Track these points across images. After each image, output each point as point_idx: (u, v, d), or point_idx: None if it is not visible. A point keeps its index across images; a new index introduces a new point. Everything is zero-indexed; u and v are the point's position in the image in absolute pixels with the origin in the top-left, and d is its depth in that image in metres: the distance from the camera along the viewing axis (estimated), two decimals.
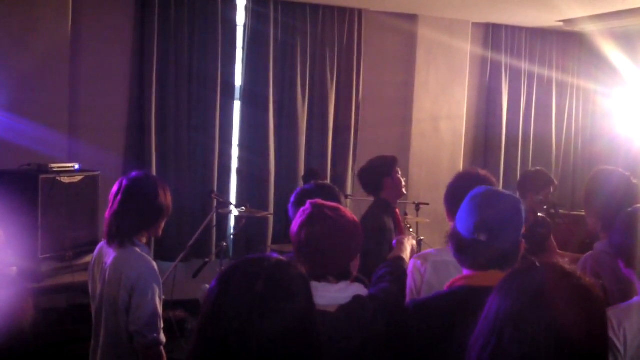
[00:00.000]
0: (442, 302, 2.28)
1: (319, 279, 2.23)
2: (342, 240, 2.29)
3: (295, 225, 2.35)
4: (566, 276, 1.57)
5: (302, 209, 2.38)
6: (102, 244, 3.08)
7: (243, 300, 1.49)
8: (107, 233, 2.98)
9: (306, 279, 1.62)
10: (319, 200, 2.42)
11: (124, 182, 3.00)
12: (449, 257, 2.46)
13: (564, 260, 1.66)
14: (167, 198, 3.03)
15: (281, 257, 1.63)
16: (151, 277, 2.89)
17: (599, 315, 1.55)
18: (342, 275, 2.29)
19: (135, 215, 2.96)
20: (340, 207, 2.40)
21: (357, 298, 2.23)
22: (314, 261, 2.26)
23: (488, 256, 2.19)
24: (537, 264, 1.63)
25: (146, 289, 2.86)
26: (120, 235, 2.93)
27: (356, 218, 2.39)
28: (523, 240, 2.25)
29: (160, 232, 3.12)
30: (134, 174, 3.05)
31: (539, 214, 4.87)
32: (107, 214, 2.99)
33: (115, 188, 3.01)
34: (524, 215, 2.26)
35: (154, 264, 2.97)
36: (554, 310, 1.49)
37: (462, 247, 2.26)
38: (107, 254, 3.00)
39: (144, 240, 3.04)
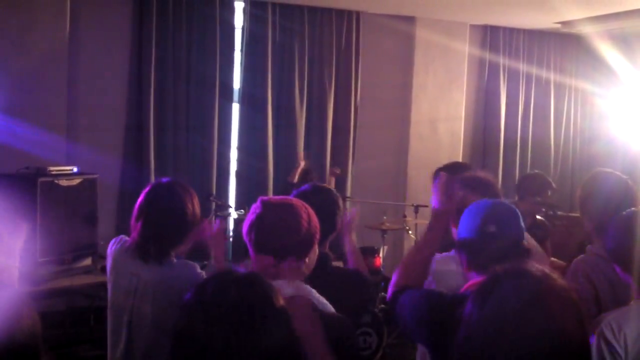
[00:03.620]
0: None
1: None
2: (293, 238, 2.27)
3: (245, 225, 2.33)
4: (537, 281, 1.53)
5: (253, 206, 2.35)
6: (123, 253, 2.93)
7: (218, 309, 1.49)
8: (141, 250, 2.82)
9: (275, 288, 1.60)
10: (270, 197, 2.41)
11: (157, 190, 2.88)
12: (454, 265, 2.46)
13: (544, 265, 1.63)
14: (195, 207, 2.91)
15: (250, 270, 1.64)
16: (195, 275, 2.83)
17: (575, 318, 1.51)
18: (292, 273, 2.26)
19: (175, 228, 2.84)
20: (294, 203, 2.36)
21: (293, 299, 2.08)
22: (265, 257, 2.26)
23: (498, 248, 2.22)
24: (511, 269, 1.60)
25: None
26: (159, 251, 2.81)
27: (313, 215, 2.36)
28: (528, 243, 2.29)
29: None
30: (159, 183, 2.94)
31: (538, 217, 4.88)
32: (137, 227, 2.83)
33: (146, 197, 2.87)
34: (521, 220, 2.31)
35: (197, 267, 2.89)
36: (524, 319, 1.47)
37: (471, 248, 2.30)
38: (138, 266, 2.84)
39: (179, 251, 2.93)
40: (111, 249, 3.01)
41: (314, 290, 2.29)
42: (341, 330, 2.20)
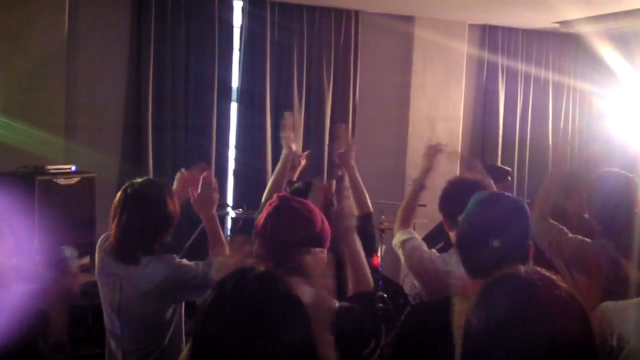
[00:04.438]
0: (439, 309, 2.26)
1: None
2: (307, 233, 2.29)
3: (261, 218, 2.34)
4: (539, 286, 1.49)
5: (269, 201, 2.38)
6: (105, 252, 2.95)
7: (237, 306, 1.48)
8: (117, 249, 2.84)
9: (296, 287, 1.59)
10: (287, 194, 2.42)
11: (128, 191, 2.85)
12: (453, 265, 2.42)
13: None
14: (175, 204, 2.91)
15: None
16: (171, 266, 2.85)
17: (582, 323, 1.48)
18: (304, 272, 2.20)
19: (145, 228, 2.82)
20: (309, 203, 2.40)
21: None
22: (279, 254, 2.25)
23: (498, 260, 2.05)
24: (510, 274, 1.57)
25: (179, 274, 2.82)
26: (132, 252, 2.82)
27: (325, 220, 2.38)
28: (532, 243, 2.24)
29: (169, 238, 3.04)
30: (137, 181, 2.92)
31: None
32: (114, 226, 2.84)
33: (118, 198, 2.86)
34: (529, 216, 2.26)
35: (168, 261, 2.88)
36: (531, 325, 1.43)
37: (469, 253, 2.23)
38: (118, 267, 2.87)
39: (158, 247, 2.91)
40: (99, 245, 3.05)
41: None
42: (355, 318, 2.21)
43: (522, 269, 1.55)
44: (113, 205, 2.88)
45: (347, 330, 2.14)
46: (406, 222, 3.39)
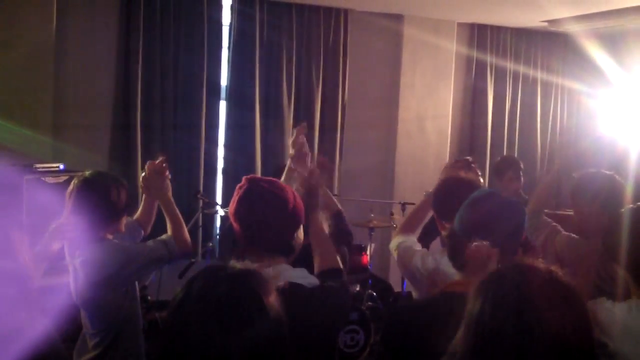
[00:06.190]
0: (425, 308, 2.28)
1: (264, 256, 2.23)
2: (282, 211, 2.29)
3: (233, 203, 2.35)
4: (542, 277, 1.53)
5: (238, 185, 2.38)
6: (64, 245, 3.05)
7: (205, 302, 1.48)
8: (66, 237, 2.94)
9: (270, 284, 1.58)
10: (254, 175, 2.44)
11: (76, 182, 2.96)
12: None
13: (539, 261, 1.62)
14: (120, 196, 2.98)
15: (247, 266, 1.62)
16: (124, 254, 2.92)
17: (581, 313, 1.52)
18: (285, 250, 2.31)
19: (89, 216, 2.91)
20: (277, 180, 2.42)
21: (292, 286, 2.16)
22: (256, 236, 2.28)
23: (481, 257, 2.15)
24: (514, 265, 1.60)
25: (134, 261, 2.91)
26: (77, 237, 2.90)
27: (298, 196, 2.41)
28: (519, 248, 2.26)
29: (123, 229, 3.09)
30: (87, 173, 3.02)
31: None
32: (64, 215, 2.94)
33: (69, 188, 2.97)
34: (525, 220, 2.28)
35: (114, 244, 2.96)
36: (533, 315, 1.46)
37: (456, 248, 2.26)
38: (69, 255, 3.00)
39: (109, 236, 3.00)
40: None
41: (304, 270, 2.31)
42: (334, 297, 2.27)
43: (523, 261, 1.57)
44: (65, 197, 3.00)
45: (325, 307, 2.19)
46: (409, 229, 3.37)
